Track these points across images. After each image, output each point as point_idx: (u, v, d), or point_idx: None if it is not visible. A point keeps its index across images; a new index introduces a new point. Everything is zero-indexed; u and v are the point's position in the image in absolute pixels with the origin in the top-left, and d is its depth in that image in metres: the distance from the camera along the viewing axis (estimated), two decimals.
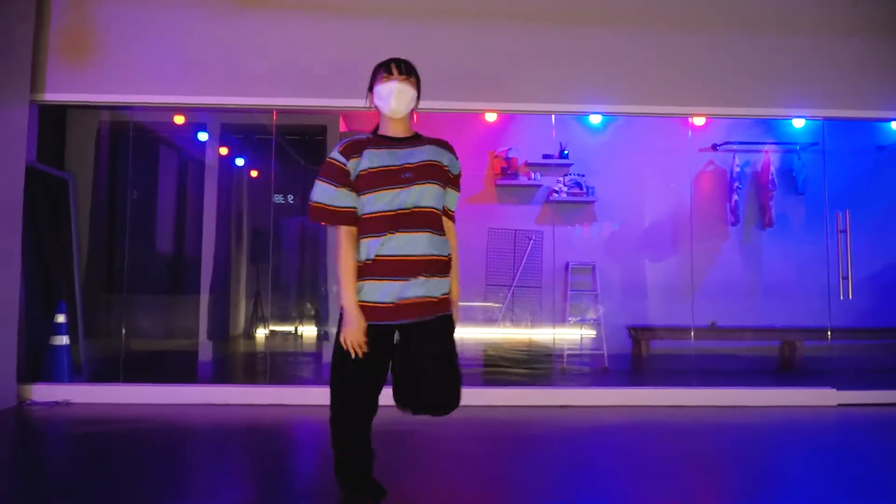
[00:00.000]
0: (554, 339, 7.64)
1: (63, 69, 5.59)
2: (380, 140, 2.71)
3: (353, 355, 2.55)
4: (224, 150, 7.79)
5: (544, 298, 7.81)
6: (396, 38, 5.70)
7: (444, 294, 2.68)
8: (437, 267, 2.65)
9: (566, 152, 8.05)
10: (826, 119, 6.15)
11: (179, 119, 7.02)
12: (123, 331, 6.32)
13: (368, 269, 2.60)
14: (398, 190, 2.60)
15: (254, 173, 8.39)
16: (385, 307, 2.58)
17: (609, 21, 5.88)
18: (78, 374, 6.02)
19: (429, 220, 2.64)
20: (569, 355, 7.67)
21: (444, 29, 5.74)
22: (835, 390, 5.65)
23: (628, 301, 8.28)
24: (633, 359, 7.82)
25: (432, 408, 2.63)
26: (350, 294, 2.58)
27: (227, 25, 5.67)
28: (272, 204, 7.20)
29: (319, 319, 8.21)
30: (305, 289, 8.43)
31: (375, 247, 2.59)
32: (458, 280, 2.81)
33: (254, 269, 8.29)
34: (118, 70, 5.61)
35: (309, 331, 8.42)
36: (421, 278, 2.59)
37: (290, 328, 8.40)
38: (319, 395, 5.56)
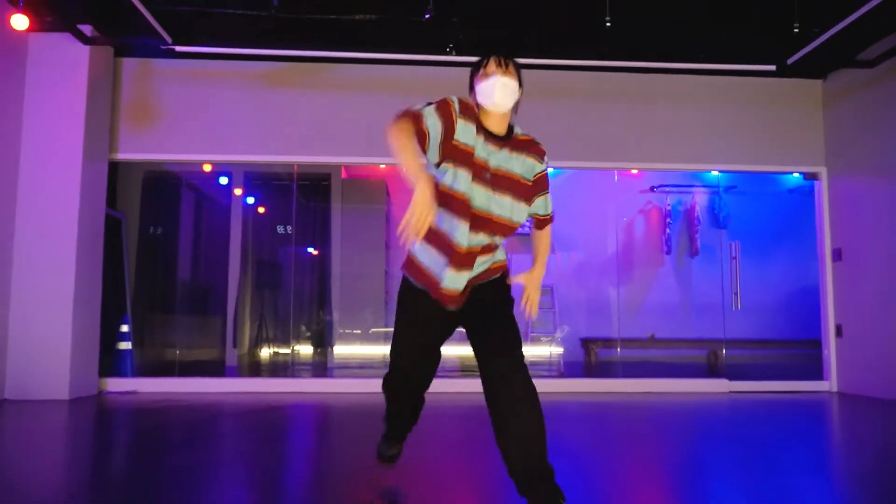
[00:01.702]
0: None
1: (130, 134, 7.17)
2: (481, 125, 2.55)
3: (418, 222, 2.19)
4: (239, 191, 9.40)
5: None
6: (381, 107, 7.33)
7: (493, 264, 2.67)
8: (487, 270, 2.65)
9: None
10: (723, 171, 7.83)
11: (207, 167, 8.58)
12: (176, 338, 7.88)
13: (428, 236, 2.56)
14: (478, 187, 2.49)
15: (261, 209, 9.97)
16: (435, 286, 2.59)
17: (556, 93, 7.53)
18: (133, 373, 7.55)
19: (495, 229, 2.53)
20: (530, 363, 9.23)
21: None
22: (727, 381, 7.28)
23: (582, 317, 9.90)
24: (585, 365, 9.42)
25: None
26: (413, 164, 2.29)
27: (259, 99, 7.29)
28: (291, 238, 8.81)
29: (324, 337, 9.67)
30: (314, 311, 9.94)
31: (440, 220, 2.53)
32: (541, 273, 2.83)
33: (266, 293, 9.83)
34: (174, 134, 7.21)
35: (307, 349, 9.89)
36: (465, 272, 2.54)
37: (295, 346, 9.90)
38: (330, 385, 7.12)
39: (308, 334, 9.85)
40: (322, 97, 7.37)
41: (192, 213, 9.60)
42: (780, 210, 9.82)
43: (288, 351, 9.58)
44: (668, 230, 9.86)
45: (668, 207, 9.87)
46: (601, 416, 5.65)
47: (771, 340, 9.21)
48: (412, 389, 2.88)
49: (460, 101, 2.53)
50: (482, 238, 2.53)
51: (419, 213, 2.18)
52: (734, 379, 7.35)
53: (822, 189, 7.54)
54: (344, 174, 9.24)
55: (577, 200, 9.71)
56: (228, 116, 7.26)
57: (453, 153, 2.48)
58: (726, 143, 7.57)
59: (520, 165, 2.57)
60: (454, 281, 2.53)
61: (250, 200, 9.84)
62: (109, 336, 7.32)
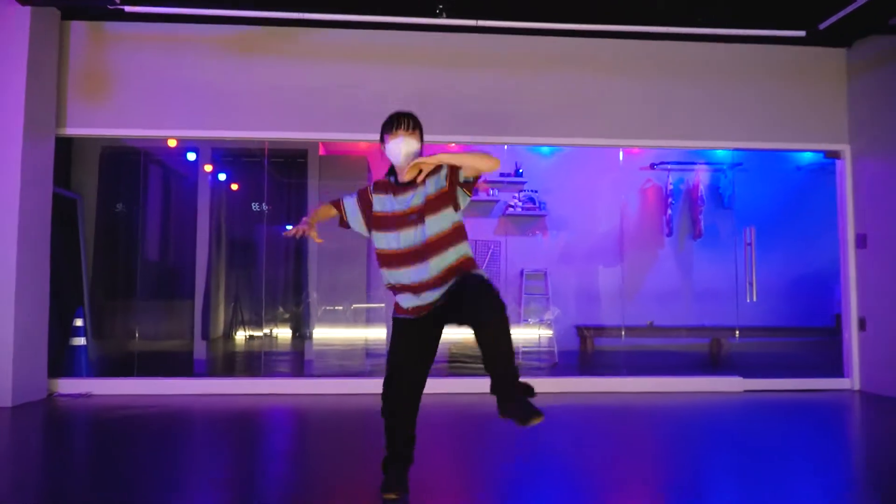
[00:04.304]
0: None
1: (80, 107, 6.41)
2: (390, 186, 3.11)
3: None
4: (209, 168, 8.63)
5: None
6: (363, 76, 6.63)
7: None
8: (452, 275, 3.01)
9: (521, 171, 9.06)
10: (736, 149, 7.21)
11: (172, 142, 7.80)
12: (137, 332, 7.19)
13: (392, 288, 3.13)
14: (406, 231, 3.00)
15: (234, 186, 9.22)
16: (408, 310, 3.09)
17: (553, 63, 6.84)
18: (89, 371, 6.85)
19: (438, 246, 2.98)
20: (524, 352, 8.65)
21: (405, 75, 6.69)
22: (741, 378, 6.71)
23: (577, 303, 9.30)
24: (580, 354, 8.84)
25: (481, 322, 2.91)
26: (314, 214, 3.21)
27: (227, 68, 6.54)
28: (263, 217, 8.10)
29: (301, 322, 9.04)
30: (289, 294, 9.27)
31: (389, 276, 3.09)
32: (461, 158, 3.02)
33: (237, 275, 9.11)
34: (129, 107, 6.45)
35: (285, 333, 9.23)
36: (431, 291, 3.01)
37: (273, 329, 9.23)
38: (309, 386, 6.49)
39: (287, 316, 9.21)
40: (297, 65, 6.63)
41: (155, 191, 8.81)
42: (790, 188, 9.22)
43: (261, 334, 8.91)
44: (669, 210, 9.23)
45: (670, 186, 9.23)
46: (603, 428, 5.05)
47: (779, 328, 8.65)
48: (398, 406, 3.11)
49: (374, 182, 3.19)
50: (434, 264, 2.98)
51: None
52: (744, 369, 6.85)
53: (846, 169, 6.92)
54: (322, 151, 8.50)
55: (572, 178, 9.07)
56: (192, 87, 6.51)
57: (377, 222, 3.10)
58: (740, 118, 6.93)
59: (431, 186, 3.04)
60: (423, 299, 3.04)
61: (222, 177, 9.08)
62: (63, 331, 6.62)
